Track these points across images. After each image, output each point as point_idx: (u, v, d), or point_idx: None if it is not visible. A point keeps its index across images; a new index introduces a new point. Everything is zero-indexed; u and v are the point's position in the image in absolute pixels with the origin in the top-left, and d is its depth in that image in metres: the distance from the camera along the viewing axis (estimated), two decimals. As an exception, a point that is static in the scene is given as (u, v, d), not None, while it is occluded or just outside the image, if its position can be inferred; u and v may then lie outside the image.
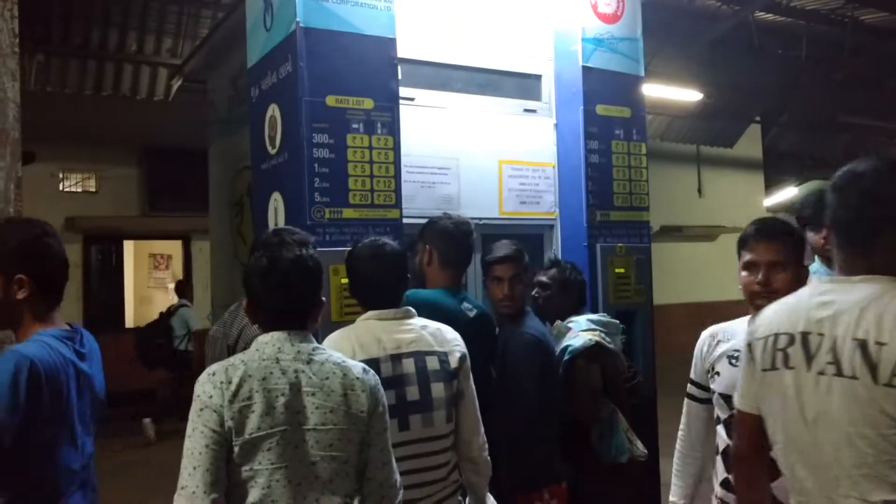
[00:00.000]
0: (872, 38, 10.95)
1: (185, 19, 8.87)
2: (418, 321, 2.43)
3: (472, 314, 2.80)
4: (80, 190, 10.27)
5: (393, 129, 3.33)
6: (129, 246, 11.28)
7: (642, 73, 4.14)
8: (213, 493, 1.72)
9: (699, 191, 14.87)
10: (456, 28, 3.84)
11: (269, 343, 1.87)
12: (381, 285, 2.43)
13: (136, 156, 10.39)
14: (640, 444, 3.23)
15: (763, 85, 12.56)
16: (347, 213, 3.22)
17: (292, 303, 1.91)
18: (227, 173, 5.19)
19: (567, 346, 3.17)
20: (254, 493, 1.75)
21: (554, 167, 4.03)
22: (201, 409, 1.77)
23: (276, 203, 3.42)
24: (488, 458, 2.47)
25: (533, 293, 3.44)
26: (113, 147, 10.05)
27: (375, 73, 3.30)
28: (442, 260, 2.89)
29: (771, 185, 16.46)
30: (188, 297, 9.46)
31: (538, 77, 4.08)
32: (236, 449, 1.75)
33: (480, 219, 3.80)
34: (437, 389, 2.34)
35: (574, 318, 3.34)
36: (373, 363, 2.20)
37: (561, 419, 3.08)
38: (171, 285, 12.28)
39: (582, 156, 3.87)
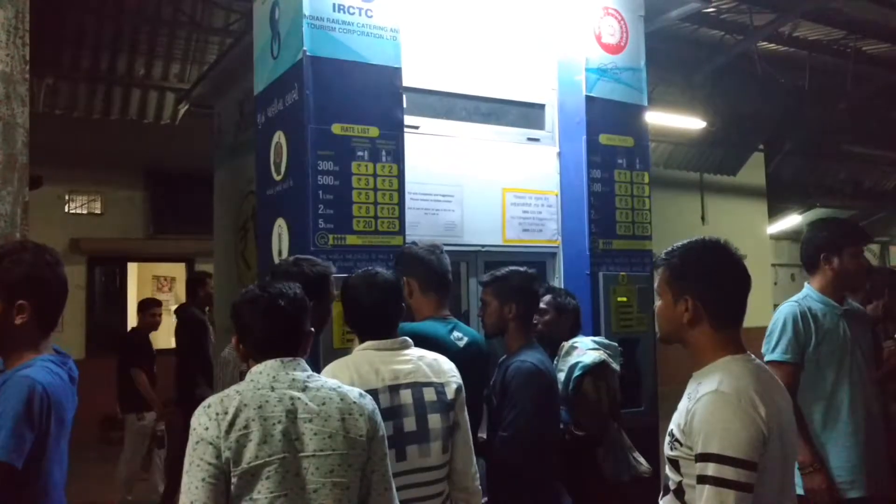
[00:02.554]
0: (875, 68, 11.03)
1: (193, 45, 8.97)
2: (415, 352, 2.44)
3: (462, 343, 2.79)
4: (85, 212, 10.29)
5: (397, 156, 3.36)
6: (132, 268, 11.30)
7: (645, 103, 4.17)
8: None
9: (703, 218, 14.87)
10: (461, 57, 3.88)
11: (262, 372, 1.88)
12: (378, 315, 2.43)
13: (141, 179, 10.44)
14: (643, 461, 3.28)
15: (766, 113, 12.62)
16: (351, 239, 3.24)
17: (281, 330, 1.93)
18: (231, 198, 5.23)
19: (577, 363, 3.22)
20: None
21: (557, 195, 4.05)
22: (197, 443, 1.77)
23: (281, 229, 3.44)
24: (479, 487, 2.47)
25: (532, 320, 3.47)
26: (119, 170, 10.10)
27: (381, 101, 3.34)
28: (422, 287, 2.87)
29: (774, 213, 16.48)
30: None
31: (542, 106, 4.11)
32: (235, 480, 1.75)
33: (483, 246, 3.82)
34: (434, 420, 2.34)
35: (579, 339, 3.39)
36: (371, 394, 2.20)
37: (565, 438, 3.11)
38: (175, 307, 12.30)
39: (585, 184, 3.90)
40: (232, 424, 1.77)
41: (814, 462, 2.88)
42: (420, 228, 3.55)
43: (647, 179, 4.12)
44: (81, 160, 9.62)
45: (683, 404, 1.85)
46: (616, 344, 3.50)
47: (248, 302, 1.94)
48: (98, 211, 10.36)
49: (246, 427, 1.77)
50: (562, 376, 3.22)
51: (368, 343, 2.40)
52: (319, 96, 3.22)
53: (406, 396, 2.31)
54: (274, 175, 3.51)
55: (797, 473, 2.88)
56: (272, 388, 1.84)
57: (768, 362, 3.05)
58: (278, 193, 3.47)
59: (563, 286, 3.85)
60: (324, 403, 1.87)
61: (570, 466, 3.09)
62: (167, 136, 9.68)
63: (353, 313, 2.49)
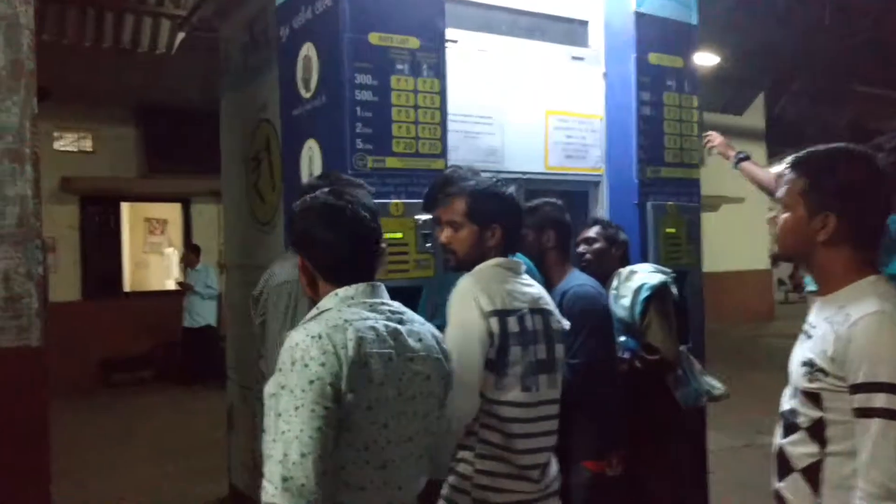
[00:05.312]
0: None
1: (190, -32, 8.48)
2: (529, 279, 2.29)
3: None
4: (75, 150, 9.90)
5: (439, 71, 3.07)
6: (125, 209, 10.96)
7: (695, 22, 3.87)
8: (327, 487, 1.42)
9: (701, 160, 14.65)
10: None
11: (355, 298, 1.58)
12: (517, 233, 2.31)
13: (134, 114, 10.02)
14: (718, 384, 3.21)
15: (778, 51, 12.28)
16: (391, 161, 2.97)
17: (366, 247, 1.64)
18: (241, 127, 4.91)
19: (643, 285, 3.08)
20: (355, 476, 1.49)
21: (602, 119, 3.76)
22: (311, 382, 1.43)
23: (312, 151, 3.15)
24: None
25: (579, 250, 3.33)
26: (110, 105, 9.67)
27: (420, 8, 3.04)
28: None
29: (772, 155, 16.29)
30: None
31: (585, 23, 3.80)
32: (347, 423, 1.46)
33: (525, 173, 3.55)
34: (560, 350, 2.22)
35: (637, 265, 3.26)
36: (513, 313, 2.06)
37: (636, 364, 3.02)
38: (169, 250, 11.98)
39: (634, 108, 3.61)
40: (352, 360, 1.45)
41: None
42: (460, 153, 3.26)
43: (695, 104, 3.86)
44: (70, 94, 9.15)
45: (823, 329, 1.62)
46: (671, 271, 3.31)
47: (321, 213, 1.59)
48: (89, 148, 9.98)
49: (366, 364, 1.47)
50: (625, 301, 3.07)
51: (500, 260, 2.20)
52: (355, 2, 2.90)
53: (538, 321, 2.14)
54: (302, 92, 3.20)
55: None
56: (376, 320, 1.55)
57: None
58: (308, 112, 3.17)
59: (608, 217, 3.61)
60: (420, 340, 1.61)
61: (642, 394, 2.94)
62: (162, 67, 9.22)
63: (499, 226, 2.25)
